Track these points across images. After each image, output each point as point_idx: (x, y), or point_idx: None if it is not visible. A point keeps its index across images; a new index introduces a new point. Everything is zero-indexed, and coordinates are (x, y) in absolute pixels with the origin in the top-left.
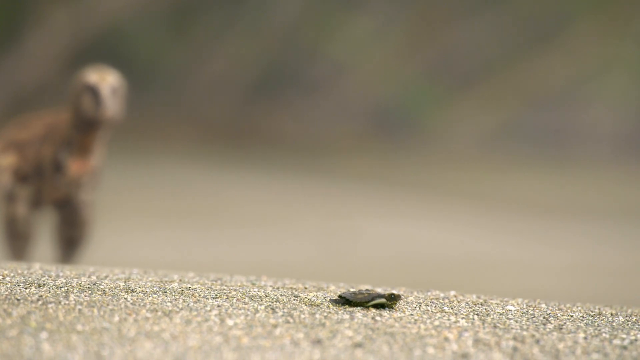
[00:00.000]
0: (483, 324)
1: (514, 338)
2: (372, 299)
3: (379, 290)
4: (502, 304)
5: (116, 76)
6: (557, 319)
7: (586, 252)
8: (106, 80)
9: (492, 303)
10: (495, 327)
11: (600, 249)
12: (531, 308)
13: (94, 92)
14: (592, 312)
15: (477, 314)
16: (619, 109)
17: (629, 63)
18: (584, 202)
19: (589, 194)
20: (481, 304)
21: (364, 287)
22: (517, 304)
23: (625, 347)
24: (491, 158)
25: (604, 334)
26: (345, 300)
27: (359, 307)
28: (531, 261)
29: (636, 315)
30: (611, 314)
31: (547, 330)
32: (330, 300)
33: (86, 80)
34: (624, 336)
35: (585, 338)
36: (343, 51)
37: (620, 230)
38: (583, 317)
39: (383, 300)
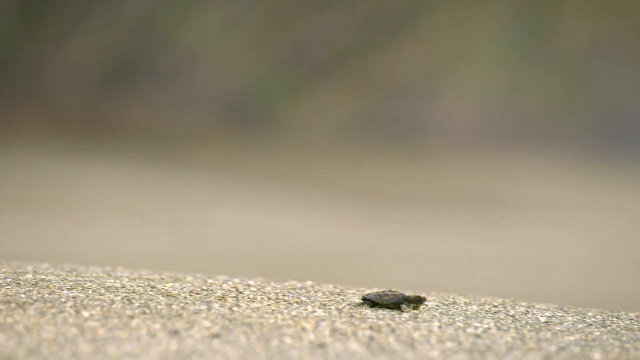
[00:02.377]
0: (340, 313)
1: (370, 327)
2: (399, 301)
3: (403, 292)
4: (358, 293)
5: None
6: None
7: (441, 240)
8: None
9: (348, 293)
10: (351, 316)
11: (453, 238)
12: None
13: None
14: (446, 301)
15: (333, 304)
16: (470, 99)
17: (480, 53)
18: (438, 192)
19: (442, 183)
20: (338, 294)
21: (387, 289)
22: (374, 293)
23: (478, 336)
24: (345, 148)
25: (458, 323)
26: (370, 302)
27: (383, 309)
28: (387, 251)
29: (489, 304)
30: (465, 303)
31: (403, 319)
32: (356, 303)
33: None
34: (478, 324)
35: (439, 327)
36: (197, 41)
37: (473, 220)
38: (437, 306)
39: (408, 303)
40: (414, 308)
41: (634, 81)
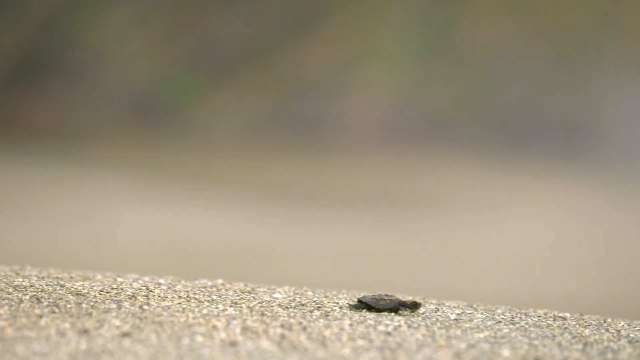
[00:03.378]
0: (251, 311)
1: (282, 325)
2: (394, 306)
3: (399, 296)
4: (269, 291)
5: None
6: (324, 306)
7: (349, 239)
8: None
9: (259, 291)
10: (263, 314)
11: (362, 236)
12: (298, 296)
13: None
14: (357, 299)
15: (245, 302)
16: (376, 97)
17: (386, 51)
18: (345, 190)
19: (349, 181)
20: (249, 292)
21: (383, 293)
22: (284, 291)
23: (389, 333)
24: (252, 146)
25: (369, 321)
26: (366, 306)
27: (381, 313)
28: (297, 249)
29: None
30: None
31: (314, 317)
32: (350, 305)
33: None
34: (388, 322)
35: (351, 325)
36: (103, 39)
37: (381, 217)
38: (349, 303)
39: (405, 307)
40: (411, 313)
41: (539, 80)
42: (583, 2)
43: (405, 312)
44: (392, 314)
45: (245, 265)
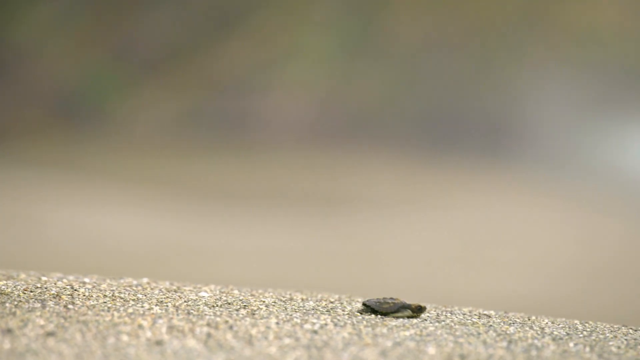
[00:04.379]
0: (177, 310)
1: (208, 324)
2: (398, 310)
3: (403, 300)
4: (195, 290)
5: None
6: (250, 304)
7: (273, 237)
8: None
9: (185, 290)
10: (189, 313)
11: (287, 234)
12: (224, 294)
13: None
14: (283, 297)
15: (170, 301)
16: (301, 95)
17: (310, 50)
18: (270, 188)
19: (274, 179)
20: (174, 291)
21: (388, 297)
22: (210, 290)
23: (315, 332)
24: (176, 144)
25: (295, 319)
26: (370, 309)
27: (384, 317)
28: (222, 247)
29: (325, 300)
30: (302, 299)
31: (240, 316)
32: (358, 310)
33: None
34: (315, 321)
35: (277, 323)
36: (26, 36)
37: (307, 216)
38: (275, 302)
39: (409, 311)
40: (414, 317)
41: (463, 78)
42: (507, 2)
43: (406, 313)
44: (405, 318)
45: (171, 264)
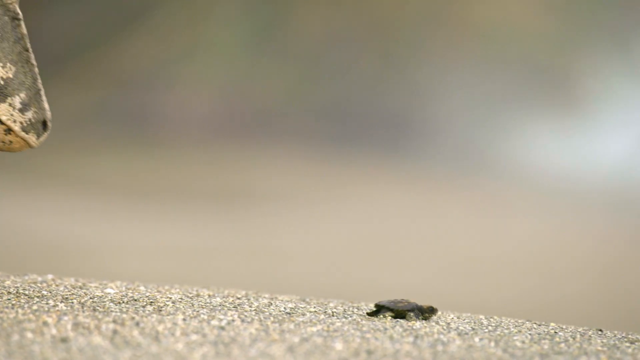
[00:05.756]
0: (82, 307)
1: (114, 321)
2: (412, 309)
3: (414, 302)
4: (101, 287)
5: None
6: (157, 301)
7: (178, 233)
8: None
9: (91, 286)
10: (95, 310)
11: (192, 230)
12: (130, 291)
13: None
14: (190, 293)
15: (76, 298)
16: (205, 91)
17: (215, 46)
18: (173, 184)
19: (178, 175)
20: (80, 288)
21: (399, 298)
22: (117, 287)
23: (222, 328)
24: (78, 140)
25: (202, 315)
26: (386, 309)
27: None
28: (127, 244)
29: (232, 296)
30: (209, 296)
31: (147, 312)
32: (369, 313)
33: None
34: (222, 317)
35: (184, 320)
36: None
37: (212, 212)
38: (182, 298)
39: (422, 312)
40: (425, 318)
41: (367, 74)
42: None
43: (420, 316)
44: (416, 319)
45: (76, 260)
